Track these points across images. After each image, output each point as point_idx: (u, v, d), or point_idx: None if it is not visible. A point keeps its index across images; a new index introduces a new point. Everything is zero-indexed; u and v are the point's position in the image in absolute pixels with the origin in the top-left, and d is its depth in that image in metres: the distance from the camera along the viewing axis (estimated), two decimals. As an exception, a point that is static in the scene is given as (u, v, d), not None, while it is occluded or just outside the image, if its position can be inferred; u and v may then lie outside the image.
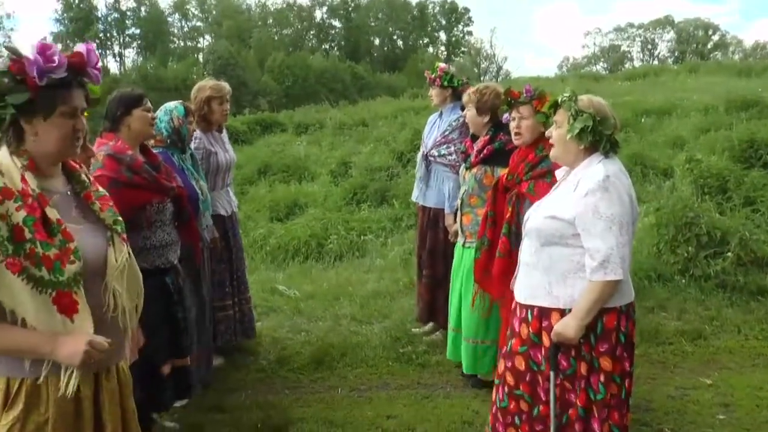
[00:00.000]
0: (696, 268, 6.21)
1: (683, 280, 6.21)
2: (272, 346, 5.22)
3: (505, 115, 3.93)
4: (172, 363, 3.52)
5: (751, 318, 5.58)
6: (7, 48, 1.94)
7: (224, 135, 4.96)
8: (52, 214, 1.96)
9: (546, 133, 3.06)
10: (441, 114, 5.23)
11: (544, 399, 2.88)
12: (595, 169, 2.77)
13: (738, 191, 7.59)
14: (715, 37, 67.41)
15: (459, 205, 4.44)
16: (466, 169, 4.40)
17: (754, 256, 6.26)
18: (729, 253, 6.18)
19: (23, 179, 1.94)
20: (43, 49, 1.92)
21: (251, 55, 55.18)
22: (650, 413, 4.12)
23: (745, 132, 9.22)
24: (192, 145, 4.48)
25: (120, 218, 2.20)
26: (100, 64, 2.08)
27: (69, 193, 2.13)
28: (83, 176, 2.19)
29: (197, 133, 4.59)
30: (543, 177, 3.60)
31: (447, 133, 5.03)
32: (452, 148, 4.96)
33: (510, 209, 3.66)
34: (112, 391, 2.13)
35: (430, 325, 5.33)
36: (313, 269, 7.81)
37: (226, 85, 4.79)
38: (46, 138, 2.00)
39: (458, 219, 4.45)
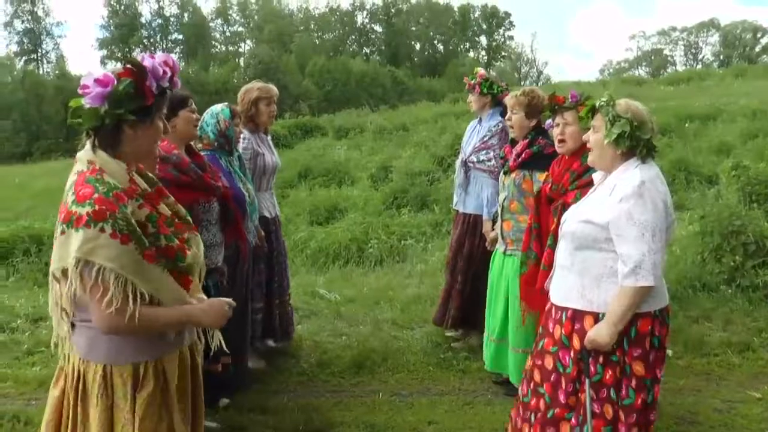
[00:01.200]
0: (743, 277, 6.07)
1: (729, 290, 6.07)
2: (313, 350, 5.25)
3: (548, 121, 3.87)
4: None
5: (802, 330, 5.42)
6: (126, 59, 2.06)
7: (269, 138, 5.02)
8: (165, 210, 2.21)
9: (583, 137, 3.04)
10: (480, 120, 5.19)
11: (563, 402, 2.89)
12: (632, 175, 2.76)
13: (788, 200, 7.39)
14: (764, 40, 65.80)
15: (499, 212, 4.40)
16: (505, 174, 4.35)
17: (804, 267, 6.10)
18: (778, 263, 6.03)
19: (132, 180, 2.14)
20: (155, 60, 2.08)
21: (292, 59, 55.65)
22: (696, 426, 4.04)
23: (795, 138, 9.00)
24: (240, 145, 4.55)
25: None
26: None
27: (148, 191, 2.27)
28: (149, 174, 2.33)
29: (246, 133, 4.65)
30: (591, 185, 3.48)
31: (486, 138, 5.00)
32: (491, 154, 4.93)
33: (556, 220, 3.54)
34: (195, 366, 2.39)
35: (460, 332, 5.32)
36: (353, 273, 7.85)
37: (273, 87, 4.85)
38: (145, 140, 2.17)
39: (498, 226, 4.41)
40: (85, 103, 2.04)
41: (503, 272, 4.33)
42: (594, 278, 2.82)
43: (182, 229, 2.23)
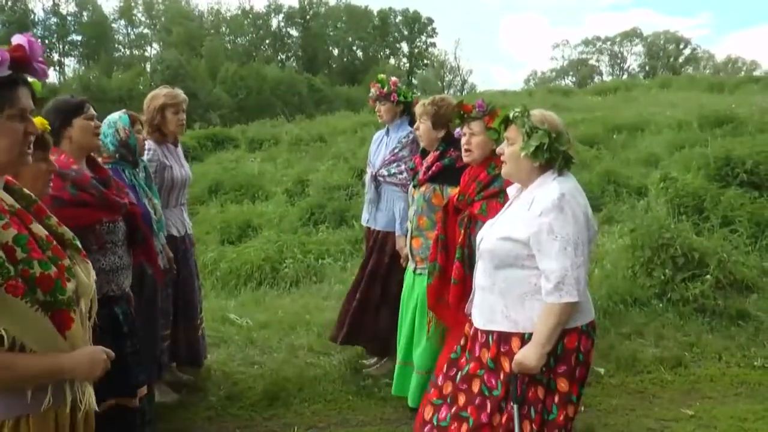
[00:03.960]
0: (673, 291, 6.23)
1: (660, 305, 6.22)
2: (222, 381, 5.06)
3: (457, 130, 3.85)
4: (116, 402, 3.34)
5: (732, 344, 5.60)
6: None
7: (179, 150, 4.84)
8: (39, 230, 1.91)
9: (497, 150, 3.04)
10: (388, 131, 5.15)
11: (485, 422, 2.86)
12: (550, 188, 2.78)
13: (715, 211, 7.67)
14: (686, 51, 69.24)
15: (409, 228, 4.35)
16: (414, 187, 4.30)
17: (733, 279, 6.32)
18: (707, 276, 6.21)
19: None
20: None
21: (202, 65, 54.94)
22: (630, 449, 4.09)
23: (720, 149, 9.33)
24: (145, 157, 4.36)
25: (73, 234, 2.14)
26: (43, 56, 1.94)
27: (17, 208, 2.01)
28: (25, 190, 2.09)
29: (151, 144, 4.47)
30: (496, 197, 3.50)
31: (397, 150, 4.94)
32: (402, 167, 4.87)
33: (462, 232, 3.56)
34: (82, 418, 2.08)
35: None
36: (267, 296, 7.66)
37: (181, 93, 4.68)
38: None
39: (408, 242, 4.36)
40: None
41: (413, 291, 4.27)
42: (517, 297, 2.82)
43: (61, 255, 1.93)
